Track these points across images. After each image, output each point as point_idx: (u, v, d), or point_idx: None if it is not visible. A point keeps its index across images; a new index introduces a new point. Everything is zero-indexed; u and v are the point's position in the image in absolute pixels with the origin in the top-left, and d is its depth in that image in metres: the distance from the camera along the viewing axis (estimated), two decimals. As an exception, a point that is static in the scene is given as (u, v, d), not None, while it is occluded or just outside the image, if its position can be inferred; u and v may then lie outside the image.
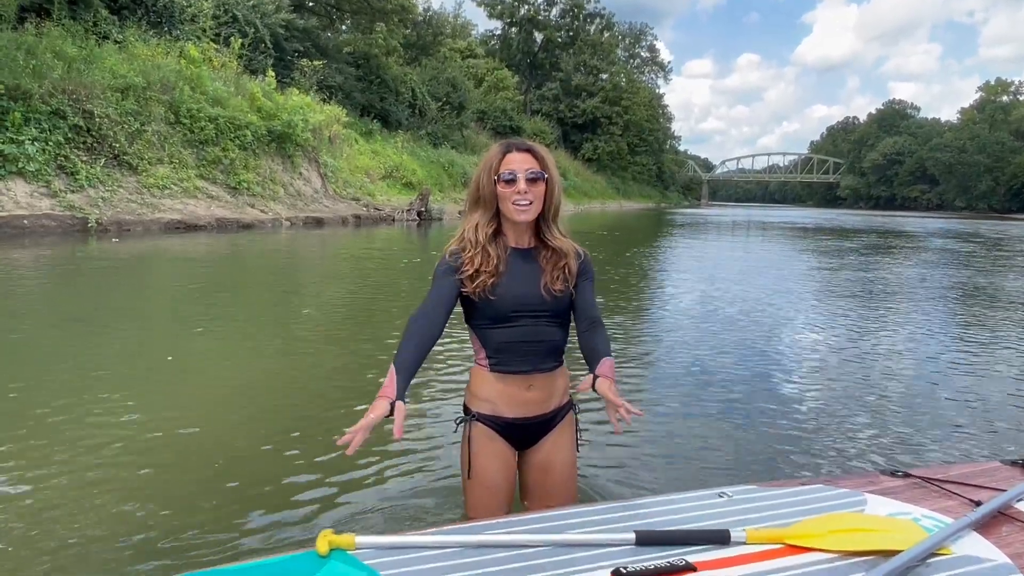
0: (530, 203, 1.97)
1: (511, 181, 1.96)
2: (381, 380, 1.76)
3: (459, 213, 27.94)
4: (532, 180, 1.96)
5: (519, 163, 1.97)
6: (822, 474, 2.67)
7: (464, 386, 2.17)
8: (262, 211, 17.58)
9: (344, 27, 36.74)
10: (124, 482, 2.66)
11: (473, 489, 2.07)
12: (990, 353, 5.50)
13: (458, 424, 2.11)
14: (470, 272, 1.97)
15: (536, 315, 1.99)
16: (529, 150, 2.00)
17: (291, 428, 3.35)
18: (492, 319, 1.99)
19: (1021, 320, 7.31)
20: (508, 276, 1.98)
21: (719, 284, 9.16)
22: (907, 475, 1.72)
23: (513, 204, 1.96)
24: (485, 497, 2.07)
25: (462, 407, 2.14)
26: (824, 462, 2.95)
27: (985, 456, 3.00)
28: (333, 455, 3.01)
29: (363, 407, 3.72)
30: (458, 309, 2.03)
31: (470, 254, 1.98)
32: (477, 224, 2.01)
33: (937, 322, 6.92)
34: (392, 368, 1.77)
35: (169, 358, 4.52)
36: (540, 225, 2.05)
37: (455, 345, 5.19)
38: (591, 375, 1.85)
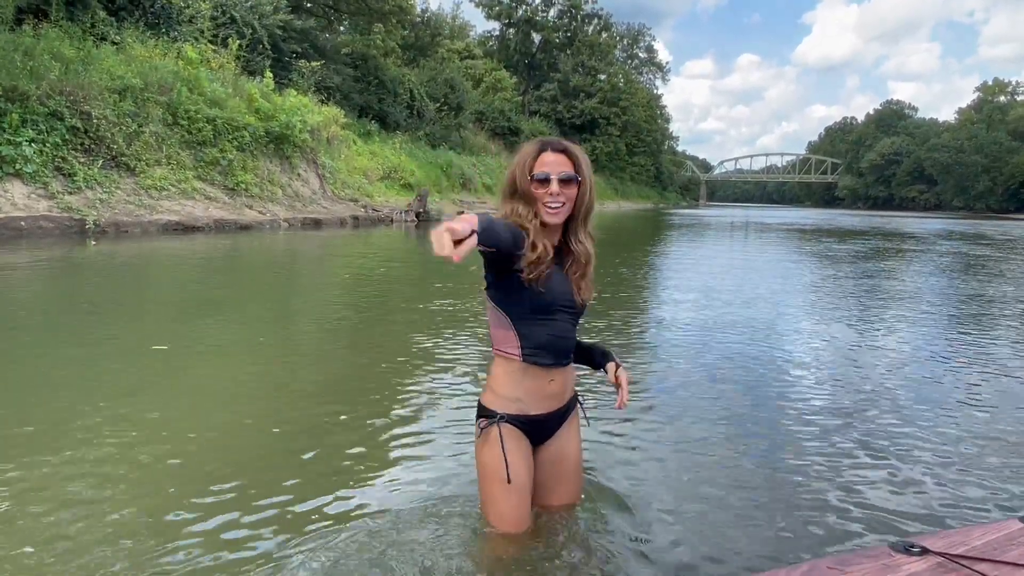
0: (561, 204, 1.95)
1: (544, 181, 1.94)
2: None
3: (458, 214, 27.88)
4: (565, 182, 1.95)
5: (553, 164, 1.94)
6: (824, 552, 2.29)
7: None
8: (260, 212, 17.56)
9: (342, 28, 36.75)
10: (117, 488, 2.65)
11: (509, 496, 2.00)
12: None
13: (483, 428, 2.03)
14: (532, 258, 1.91)
15: (571, 312, 2.02)
16: (564, 151, 1.97)
17: (291, 431, 3.34)
18: (536, 311, 1.96)
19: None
20: (554, 271, 1.98)
21: (716, 297, 8.52)
22: (925, 551, 1.46)
23: (544, 205, 1.95)
24: (520, 503, 2.02)
25: (478, 409, 2.09)
26: (819, 533, 2.46)
27: (991, 512, 2.69)
28: (333, 458, 3.01)
29: (358, 413, 3.70)
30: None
31: (532, 238, 1.92)
32: (521, 214, 1.96)
33: (965, 346, 5.93)
34: (472, 216, 1.65)
35: (160, 355, 4.51)
36: (568, 225, 2.04)
37: (450, 351, 5.19)
38: (613, 363, 2.15)
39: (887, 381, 4.70)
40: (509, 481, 1.98)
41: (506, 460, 1.97)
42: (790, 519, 2.57)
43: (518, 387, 2.01)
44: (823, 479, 2.96)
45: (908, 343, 6.07)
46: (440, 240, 1.45)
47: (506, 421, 2.01)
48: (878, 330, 6.73)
